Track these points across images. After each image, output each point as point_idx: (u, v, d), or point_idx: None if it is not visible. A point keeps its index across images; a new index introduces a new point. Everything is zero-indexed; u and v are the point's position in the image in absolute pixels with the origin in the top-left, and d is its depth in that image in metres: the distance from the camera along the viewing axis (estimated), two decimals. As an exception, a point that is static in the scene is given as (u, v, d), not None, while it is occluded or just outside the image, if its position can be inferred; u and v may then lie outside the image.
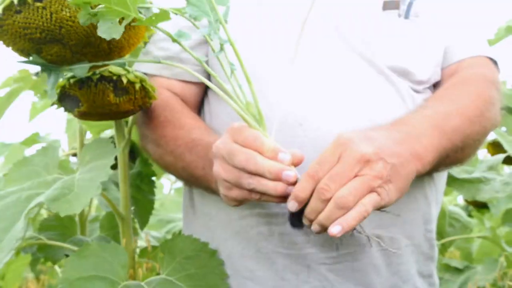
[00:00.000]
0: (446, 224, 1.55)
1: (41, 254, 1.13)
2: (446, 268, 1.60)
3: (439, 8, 0.92)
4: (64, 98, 0.86)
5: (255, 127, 0.68)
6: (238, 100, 0.68)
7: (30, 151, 1.49)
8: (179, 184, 2.37)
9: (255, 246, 0.87)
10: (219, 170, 0.69)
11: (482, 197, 1.31)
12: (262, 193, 0.67)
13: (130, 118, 1.01)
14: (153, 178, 1.17)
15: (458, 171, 1.33)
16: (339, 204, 0.64)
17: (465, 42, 0.93)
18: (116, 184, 1.09)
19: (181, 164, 0.85)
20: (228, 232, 0.89)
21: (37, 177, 0.92)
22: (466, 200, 1.68)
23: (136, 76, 0.86)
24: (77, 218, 1.27)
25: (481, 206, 1.61)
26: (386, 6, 0.88)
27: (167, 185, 2.37)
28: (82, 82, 0.83)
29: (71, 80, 0.83)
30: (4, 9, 0.66)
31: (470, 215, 1.85)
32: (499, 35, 1.46)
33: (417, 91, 0.88)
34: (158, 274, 0.89)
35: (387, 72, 0.86)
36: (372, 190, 0.66)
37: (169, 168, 0.91)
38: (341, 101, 0.84)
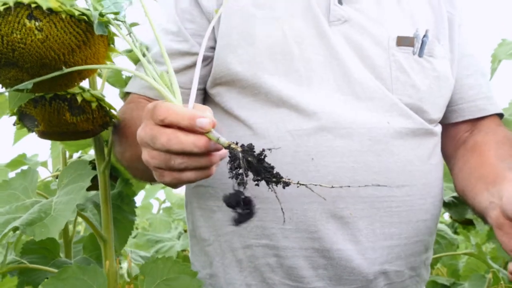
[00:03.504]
0: (431, 242, 1.54)
1: (23, 278, 1.12)
2: (434, 285, 1.59)
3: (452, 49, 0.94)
4: (23, 118, 0.86)
5: (168, 97, 0.64)
6: (153, 73, 0.65)
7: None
8: (168, 204, 2.37)
9: (260, 277, 0.86)
10: (147, 157, 0.65)
11: (469, 215, 1.32)
12: (195, 170, 0.63)
13: (110, 137, 1.01)
14: (134, 199, 1.17)
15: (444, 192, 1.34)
16: None
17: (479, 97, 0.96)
18: (97, 205, 1.08)
19: (136, 157, 0.80)
20: (228, 260, 0.89)
21: (15, 201, 0.91)
22: (451, 217, 1.68)
23: (92, 95, 0.86)
24: (61, 240, 1.27)
25: (467, 223, 1.61)
26: (400, 42, 0.88)
27: (156, 205, 2.37)
28: (36, 101, 0.82)
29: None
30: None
31: (456, 232, 1.85)
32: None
33: (430, 129, 0.89)
34: (139, 296, 0.89)
35: (401, 106, 0.87)
36: None
37: (130, 166, 0.89)
38: (353, 136, 0.84)
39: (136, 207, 1.15)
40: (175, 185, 0.69)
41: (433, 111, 0.90)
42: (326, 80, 0.85)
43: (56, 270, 1.10)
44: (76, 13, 0.68)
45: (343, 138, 0.82)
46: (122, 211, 1.13)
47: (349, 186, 0.72)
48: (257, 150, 0.59)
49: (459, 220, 1.58)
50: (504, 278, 1.45)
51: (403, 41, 0.88)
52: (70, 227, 1.29)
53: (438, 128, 0.93)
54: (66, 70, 0.69)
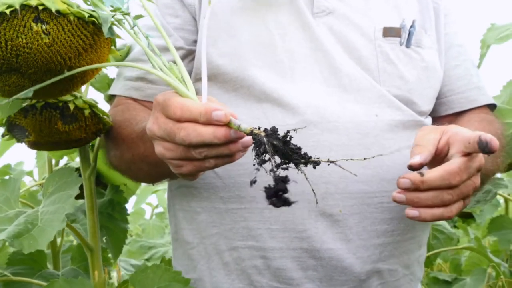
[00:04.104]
0: (430, 237, 1.51)
1: (8, 291, 1.08)
2: (435, 282, 1.57)
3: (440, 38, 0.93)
4: (13, 128, 0.83)
5: (180, 89, 0.62)
6: (160, 66, 0.64)
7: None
8: (161, 209, 2.33)
9: (247, 279, 0.84)
10: (162, 151, 0.64)
11: (468, 208, 1.29)
12: (217, 158, 0.62)
13: (96, 143, 0.98)
14: (125, 206, 1.13)
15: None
16: (441, 197, 0.66)
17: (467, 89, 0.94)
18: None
19: (138, 156, 0.81)
20: (214, 263, 0.86)
21: (-2, 212, 0.88)
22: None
23: (85, 102, 0.83)
24: (48, 250, 1.23)
25: (466, 216, 1.59)
26: (386, 33, 0.87)
27: (149, 211, 2.33)
28: (26, 111, 0.79)
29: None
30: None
31: (455, 226, 1.83)
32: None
33: (420, 121, 0.87)
34: (128, 307, 0.86)
35: (390, 97, 0.85)
36: (464, 197, 0.68)
37: (131, 168, 0.87)
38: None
39: (128, 214, 1.11)
40: (194, 174, 0.67)
41: (422, 102, 0.88)
42: (311, 72, 0.83)
43: (42, 282, 1.07)
44: (86, 15, 0.65)
45: (330, 133, 0.80)
46: (114, 220, 1.10)
47: (381, 155, 0.71)
48: (281, 132, 0.58)
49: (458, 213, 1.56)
50: (505, 272, 1.43)
51: (389, 32, 0.87)
52: (58, 238, 1.24)
53: (429, 121, 0.91)
54: (75, 71, 0.66)
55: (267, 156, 0.56)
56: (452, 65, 0.94)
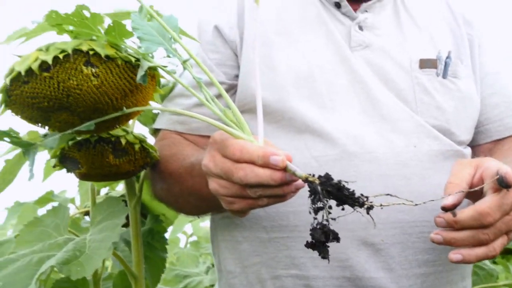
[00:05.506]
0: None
1: (52, 317, 1.10)
2: (474, 318, 1.52)
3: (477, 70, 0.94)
4: (65, 160, 0.86)
5: (238, 135, 0.64)
6: (215, 110, 0.66)
7: (46, 209, 1.49)
8: (195, 238, 2.35)
9: None
10: (216, 187, 0.66)
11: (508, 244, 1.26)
12: (269, 197, 0.64)
13: (142, 174, 1.01)
14: (165, 235, 1.16)
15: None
16: (477, 237, 0.65)
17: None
18: (127, 242, 1.08)
19: (186, 190, 0.83)
20: None
21: (48, 238, 0.91)
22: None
23: (135, 137, 0.87)
24: (90, 277, 1.25)
25: (506, 253, 1.55)
26: (423, 65, 0.88)
27: (183, 239, 2.35)
28: (80, 145, 0.83)
29: (70, 143, 0.84)
30: (12, 80, 0.67)
31: (494, 262, 1.79)
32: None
33: (459, 150, 0.88)
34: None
35: (428, 127, 0.86)
36: (507, 233, 0.68)
37: (178, 201, 0.89)
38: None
39: (167, 243, 1.14)
40: (245, 211, 0.69)
41: (460, 132, 0.89)
42: (350, 103, 0.85)
43: (86, 309, 1.08)
44: (133, 59, 0.69)
45: (370, 163, 0.81)
46: (154, 248, 1.12)
47: (432, 200, 0.69)
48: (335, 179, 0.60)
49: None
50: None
51: (425, 64, 0.88)
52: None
53: (468, 151, 0.91)
54: (126, 111, 0.70)
55: (321, 204, 0.58)
56: (488, 93, 0.94)
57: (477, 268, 1.50)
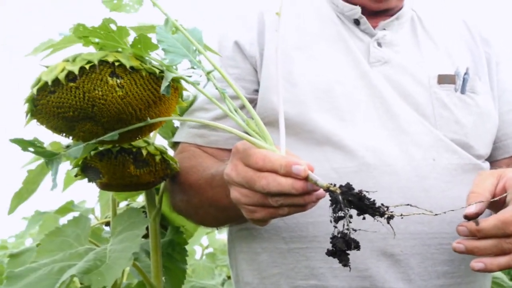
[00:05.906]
0: (489, 290, 1.46)
1: (71, 327, 1.11)
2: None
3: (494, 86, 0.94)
4: (87, 170, 0.87)
5: (261, 145, 0.65)
6: (239, 120, 0.67)
7: (66, 219, 1.50)
8: (211, 249, 2.35)
9: None
10: (238, 196, 0.67)
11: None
12: (290, 206, 0.65)
13: (161, 186, 1.02)
14: (185, 247, 1.16)
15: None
16: (500, 246, 0.65)
17: None
18: (147, 253, 1.08)
19: (206, 201, 0.84)
20: None
21: (69, 248, 0.92)
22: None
23: (156, 148, 0.88)
24: (109, 287, 1.26)
25: (527, 269, 1.53)
26: (441, 80, 0.89)
27: (199, 251, 2.35)
28: (102, 154, 0.84)
29: (92, 152, 0.85)
30: (39, 90, 0.68)
31: (513, 279, 1.76)
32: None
33: (478, 164, 0.88)
34: None
35: (447, 141, 0.86)
36: None
37: (198, 212, 0.90)
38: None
39: (187, 255, 1.14)
40: (265, 220, 0.69)
41: (479, 146, 0.89)
42: (369, 116, 0.86)
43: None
44: (157, 71, 0.70)
45: (389, 175, 0.82)
46: (174, 260, 1.12)
47: (453, 210, 0.69)
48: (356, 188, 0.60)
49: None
50: None
51: (444, 79, 0.89)
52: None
53: (486, 165, 0.91)
54: (149, 121, 0.71)
55: (342, 213, 0.59)
56: (506, 110, 0.94)
57: (496, 286, 1.48)
